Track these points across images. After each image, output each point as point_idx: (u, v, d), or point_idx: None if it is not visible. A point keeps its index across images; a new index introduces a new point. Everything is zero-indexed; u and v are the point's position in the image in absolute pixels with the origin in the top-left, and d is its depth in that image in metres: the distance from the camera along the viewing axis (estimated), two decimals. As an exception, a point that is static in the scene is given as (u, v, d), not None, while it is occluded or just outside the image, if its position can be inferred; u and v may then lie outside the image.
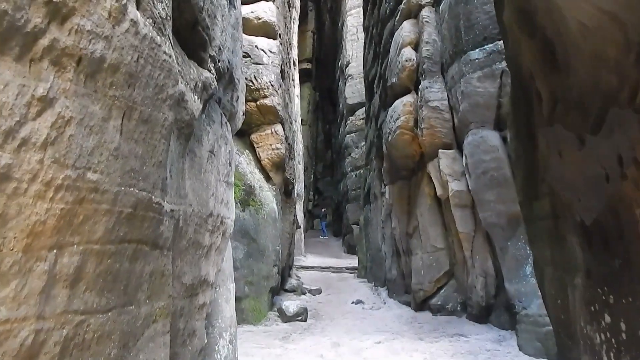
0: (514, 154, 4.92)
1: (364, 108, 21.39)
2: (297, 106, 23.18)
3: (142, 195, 3.02)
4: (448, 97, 8.88)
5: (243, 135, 11.80)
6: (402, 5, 10.07)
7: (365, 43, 17.17)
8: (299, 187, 22.45)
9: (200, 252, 4.95)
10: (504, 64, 7.71)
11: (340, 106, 32.70)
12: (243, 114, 6.99)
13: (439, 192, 9.22)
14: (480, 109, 7.93)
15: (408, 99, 9.73)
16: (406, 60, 9.61)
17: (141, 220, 3.06)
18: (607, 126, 2.53)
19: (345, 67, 29.45)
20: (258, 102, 11.39)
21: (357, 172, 26.91)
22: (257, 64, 11.36)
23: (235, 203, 10.69)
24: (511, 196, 7.69)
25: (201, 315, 5.15)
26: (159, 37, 3.15)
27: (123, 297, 2.85)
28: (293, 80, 19.89)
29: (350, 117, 28.68)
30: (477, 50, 8.01)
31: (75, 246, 2.16)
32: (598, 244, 2.79)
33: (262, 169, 11.63)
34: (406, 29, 9.75)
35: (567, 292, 3.65)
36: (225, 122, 5.84)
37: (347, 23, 29.83)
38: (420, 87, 9.35)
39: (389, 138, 10.32)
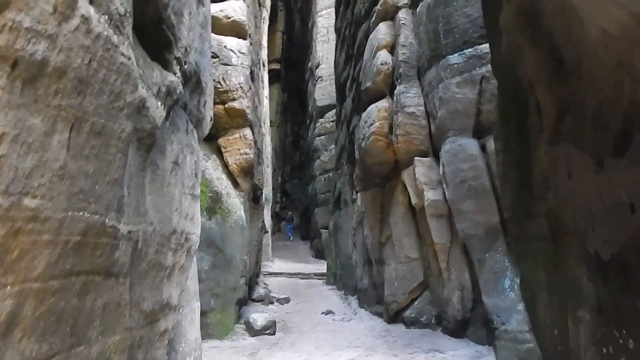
0: (502, 166, 4.60)
1: (335, 111, 21.11)
2: (266, 108, 22.71)
3: (93, 219, 2.60)
4: (425, 102, 8.58)
5: (210, 139, 11.28)
6: (378, 7, 9.73)
7: (336, 44, 16.82)
8: (267, 191, 21.98)
9: (162, 273, 4.49)
10: (483, 69, 7.44)
11: (310, 108, 32.38)
12: (211, 120, 6.54)
13: (413, 200, 8.91)
14: (459, 116, 7.64)
15: (383, 104, 9.38)
16: (382, 64, 9.26)
17: (92, 248, 2.64)
18: (634, 148, 2.19)
19: (315, 69, 29.10)
20: (226, 105, 10.89)
21: (327, 175, 26.59)
22: (225, 64, 10.88)
23: (202, 211, 10.18)
24: (490, 207, 7.43)
25: (162, 342, 4.68)
26: (116, 36, 2.70)
27: (70, 338, 2.44)
28: (262, 81, 19.42)
29: (320, 120, 28.34)
30: (456, 54, 7.71)
31: (8, 287, 1.79)
32: (617, 280, 2.45)
33: (230, 175, 11.15)
34: (382, 31, 9.40)
35: (567, 324, 3.33)
36: (192, 130, 5.38)
37: (318, 24, 29.50)
38: (395, 91, 9.02)
39: (363, 144, 9.97)
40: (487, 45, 7.57)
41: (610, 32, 2.25)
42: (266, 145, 22.44)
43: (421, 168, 8.47)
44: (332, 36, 25.28)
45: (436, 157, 8.50)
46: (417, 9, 8.91)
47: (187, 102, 5.35)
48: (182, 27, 4.51)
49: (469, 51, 7.58)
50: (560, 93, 2.90)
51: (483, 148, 7.56)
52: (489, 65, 7.48)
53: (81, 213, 2.47)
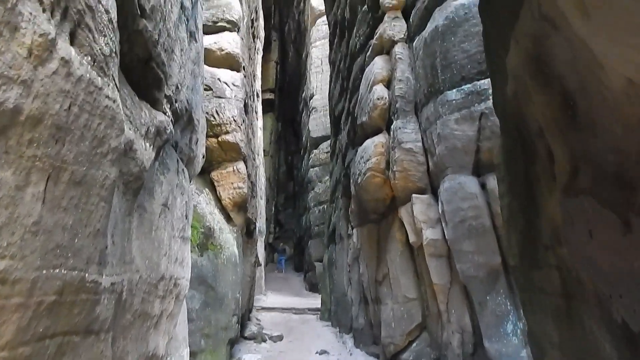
0: (507, 211, 4.38)
1: (329, 142, 21.03)
2: (260, 139, 22.57)
3: (71, 276, 2.44)
4: (422, 138, 8.42)
5: (203, 172, 11.07)
6: (373, 40, 9.63)
7: (331, 76, 16.77)
8: (261, 223, 21.70)
9: (149, 323, 4.23)
10: (482, 105, 7.30)
11: (304, 139, 32.30)
12: (203, 157, 6.33)
13: (411, 239, 8.67)
14: (458, 153, 7.46)
15: (380, 139, 9.22)
16: (378, 99, 9.12)
17: (69, 307, 2.46)
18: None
19: (310, 99, 29.10)
20: (219, 138, 10.72)
21: (321, 207, 26.36)
22: (219, 97, 10.74)
23: (193, 247, 9.91)
24: (491, 247, 7.22)
25: (148, 397, 4.40)
26: (100, 78, 2.51)
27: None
28: (256, 112, 19.32)
29: (314, 151, 28.22)
30: (454, 90, 7.58)
31: (-32, 362, 1.57)
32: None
33: (223, 209, 10.91)
34: (378, 65, 9.29)
35: (584, 388, 3.09)
36: (182, 169, 5.17)
37: (312, 55, 29.58)
38: (392, 127, 8.86)
39: (359, 179, 9.77)
40: (486, 81, 7.49)
41: (637, 82, 2.06)
42: (260, 177, 22.23)
43: (419, 206, 8.26)
44: (327, 67, 25.41)
45: (434, 194, 8.30)
46: (414, 43, 8.81)
47: (178, 140, 5.14)
48: (173, 64, 4.32)
49: (467, 87, 7.45)
50: (575, 143, 2.70)
51: (483, 186, 7.37)
52: (488, 102, 7.36)
53: (57, 270, 2.29)
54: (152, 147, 3.88)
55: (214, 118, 10.53)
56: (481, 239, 7.23)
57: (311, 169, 28.44)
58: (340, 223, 13.99)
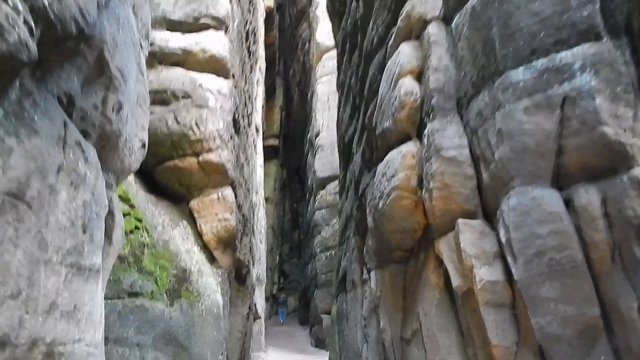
0: None
1: (336, 181, 19.37)
2: (259, 178, 20.44)
3: None
4: (470, 143, 6.12)
5: (179, 201, 8.80)
6: (398, 23, 7.41)
7: (339, 102, 14.70)
8: (260, 270, 19.29)
9: None
10: (566, 86, 5.03)
11: (309, 181, 30.47)
12: (143, 146, 4.04)
13: (454, 282, 6.25)
14: (530, 156, 5.15)
15: (408, 147, 6.89)
16: (405, 94, 6.83)
17: None
18: None
19: (315, 138, 27.41)
20: (200, 158, 8.48)
21: (328, 253, 24.15)
22: (200, 107, 8.55)
23: (160, 295, 7.57)
24: (585, 293, 4.82)
25: None
26: None
27: None
28: (255, 146, 17.23)
29: (321, 192, 26.23)
30: (520, 68, 5.31)
31: None
32: None
33: (205, 247, 8.59)
34: (405, 53, 7.03)
35: None
36: (80, 144, 2.83)
37: (318, 91, 28.14)
38: (426, 131, 6.57)
39: (379, 204, 7.44)
40: (569, 52, 5.26)
41: None
42: (260, 219, 19.96)
43: (468, 235, 5.89)
44: (333, 103, 23.81)
45: (488, 219, 5.97)
46: (453, 23, 6.60)
47: (72, 94, 2.91)
48: None
49: (541, 62, 5.18)
50: None
51: (568, 203, 5.04)
52: (574, 81, 5.10)
53: None
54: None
55: (193, 132, 8.35)
56: (570, 279, 4.85)
57: (317, 212, 26.27)
58: (353, 267, 11.56)
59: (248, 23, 13.52)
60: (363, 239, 10.07)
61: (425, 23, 7.05)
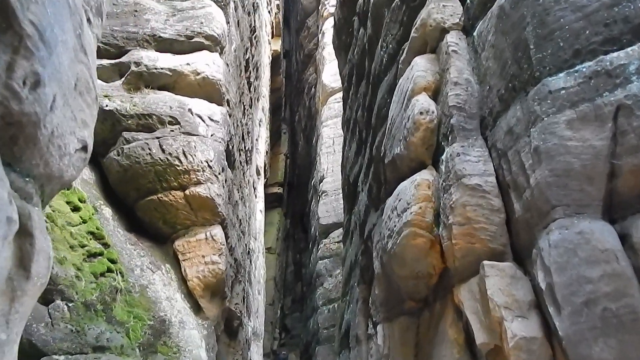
0: None
1: (340, 230, 18.45)
2: (259, 223, 19.48)
3: None
4: (497, 169, 5.19)
5: (164, 242, 7.82)
6: (412, 35, 6.56)
7: (344, 140, 13.96)
8: (258, 323, 18.07)
9: None
10: (619, 93, 4.14)
11: (312, 229, 29.48)
12: (83, 148, 3.10)
13: (478, 338, 5.17)
14: (575, 181, 4.21)
15: (423, 176, 5.93)
16: (420, 113, 5.90)
17: None
18: None
19: (319, 183, 26.70)
20: (187, 192, 7.54)
21: (331, 306, 22.90)
22: (188, 134, 7.66)
23: (132, 349, 6.52)
24: (652, 353, 3.83)
25: None
26: None
27: None
28: (255, 189, 16.36)
29: (324, 240, 25.25)
30: (562, 74, 4.43)
31: None
32: None
33: (189, 294, 7.54)
34: (420, 67, 6.14)
35: None
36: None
37: (323, 135, 27.62)
38: (444, 156, 5.63)
39: (389, 245, 6.43)
40: (621, 53, 4.40)
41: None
42: (259, 267, 18.89)
43: (496, 280, 4.86)
44: (338, 147, 23.24)
45: (520, 261, 4.98)
46: (476, 31, 5.78)
47: None
48: None
49: (587, 66, 4.31)
50: None
51: (624, 238, 4.08)
52: (630, 87, 4.23)
53: None
54: None
55: (180, 162, 7.44)
56: (629, 336, 3.82)
57: (320, 261, 25.17)
58: (357, 320, 10.46)
59: (248, 52, 12.87)
60: (369, 288, 9.05)
61: (443, 32, 6.22)
